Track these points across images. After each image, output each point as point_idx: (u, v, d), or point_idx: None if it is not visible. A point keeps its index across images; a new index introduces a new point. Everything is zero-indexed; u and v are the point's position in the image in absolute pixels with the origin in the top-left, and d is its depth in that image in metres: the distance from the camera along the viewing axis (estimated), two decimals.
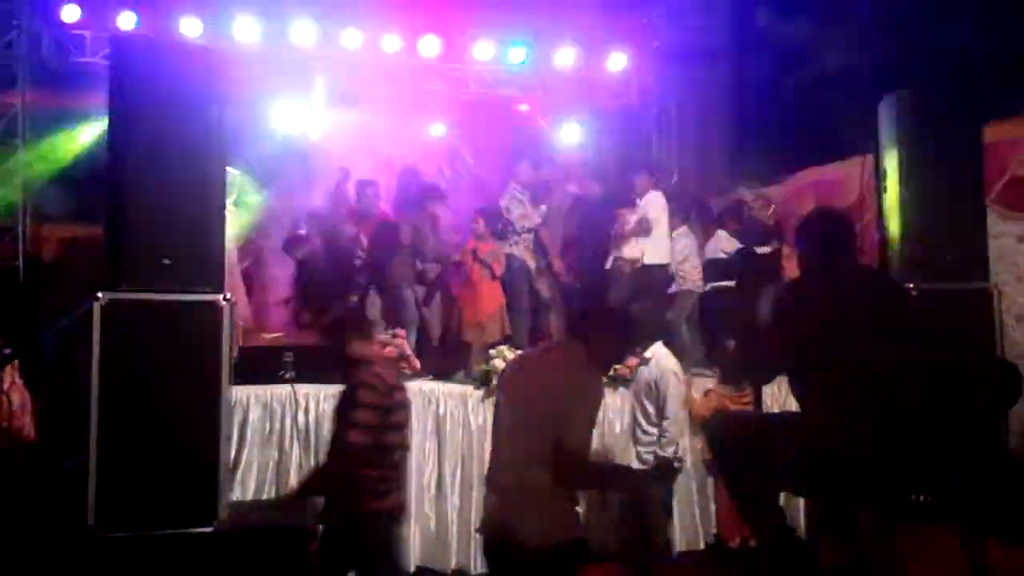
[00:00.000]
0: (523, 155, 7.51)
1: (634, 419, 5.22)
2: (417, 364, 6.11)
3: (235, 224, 6.82)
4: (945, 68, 6.99)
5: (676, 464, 5.18)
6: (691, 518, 5.97)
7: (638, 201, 7.19)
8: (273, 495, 5.28)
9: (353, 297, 7.05)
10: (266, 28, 7.67)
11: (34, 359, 5.99)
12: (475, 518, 5.21)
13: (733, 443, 3.28)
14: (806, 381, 3.13)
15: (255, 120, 8.24)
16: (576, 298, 7.35)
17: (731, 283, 7.18)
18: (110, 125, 4.53)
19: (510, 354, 5.73)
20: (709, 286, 7.18)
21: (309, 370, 5.64)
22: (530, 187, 7.36)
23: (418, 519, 5.50)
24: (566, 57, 8.51)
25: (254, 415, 5.36)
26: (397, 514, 3.92)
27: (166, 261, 4.42)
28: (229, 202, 6.53)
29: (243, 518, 4.52)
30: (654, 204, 7.11)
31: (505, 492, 3.19)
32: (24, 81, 7.53)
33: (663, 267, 7.11)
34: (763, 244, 7.33)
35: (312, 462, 5.24)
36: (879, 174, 5.75)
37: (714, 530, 6.01)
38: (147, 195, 4.45)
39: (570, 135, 9.25)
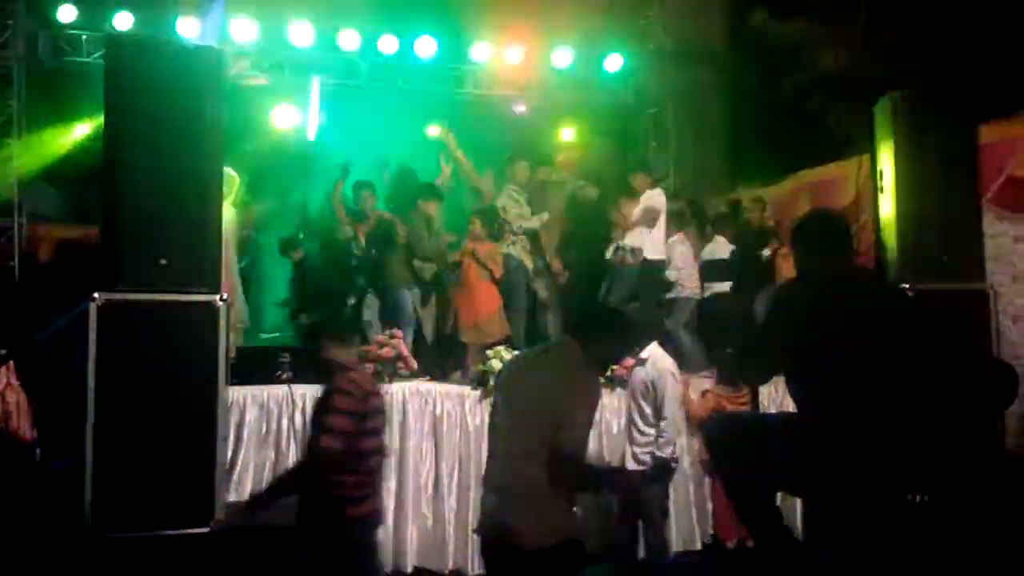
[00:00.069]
0: (520, 156, 7.51)
1: (630, 420, 5.21)
2: (414, 364, 6.11)
3: (234, 224, 6.82)
4: (941, 69, 7.01)
5: (672, 464, 5.18)
6: (688, 518, 5.97)
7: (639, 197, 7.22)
8: None
9: (351, 298, 7.06)
10: (264, 28, 7.66)
11: (30, 360, 5.98)
12: (472, 519, 5.21)
13: (730, 443, 3.29)
14: (803, 382, 3.14)
15: (252, 120, 8.24)
16: (573, 299, 7.35)
17: (728, 284, 7.19)
18: (106, 125, 4.52)
19: (507, 355, 5.73)
20: (708, 290, 7.18)
21: (306, 371, 5.62)
22: (527, 188, 7.36)
23: (415, 520, 5.50)
24: (563, 57, 8.52)
25: (251, 415, 5.36)
26: (374, 519, 3.88)
27: (163, 261, 4.43)
28: (228, 202, 6.54)
29: (240, 518, 4.51)
30: (656, 199, 7.14)
31: (502, 493, 3.19)
32: (20, 81, 7.51)
33: (662, 262, 7.13)
34: (761, 247, 7.34)
35: None
36: (875, 175, 5.77)
37: (711, 530, 6.02)
38: (143, 195, 4.45)
39: (567, 135, 9.26)
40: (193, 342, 4.49)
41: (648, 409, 5.07)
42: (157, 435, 4.33)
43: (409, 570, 5.47)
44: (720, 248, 7.40)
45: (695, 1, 9.44)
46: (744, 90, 9.33)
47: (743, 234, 7.56)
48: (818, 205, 7.53)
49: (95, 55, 7.42)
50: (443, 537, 5.53)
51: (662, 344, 5.40)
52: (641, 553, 5.31)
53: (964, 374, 3.13)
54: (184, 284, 4.50)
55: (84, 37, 7.68)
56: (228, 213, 6.65)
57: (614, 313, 4.24)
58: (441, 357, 6.83)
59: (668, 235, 7.23)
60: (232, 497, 4.99)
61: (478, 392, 5.74)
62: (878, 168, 5.73)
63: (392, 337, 6.09)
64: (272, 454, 5.36)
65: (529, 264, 7.16)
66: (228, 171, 6.14)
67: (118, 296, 4.38)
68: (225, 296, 4.60)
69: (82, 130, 7.74)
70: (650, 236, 7.06)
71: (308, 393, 5.47)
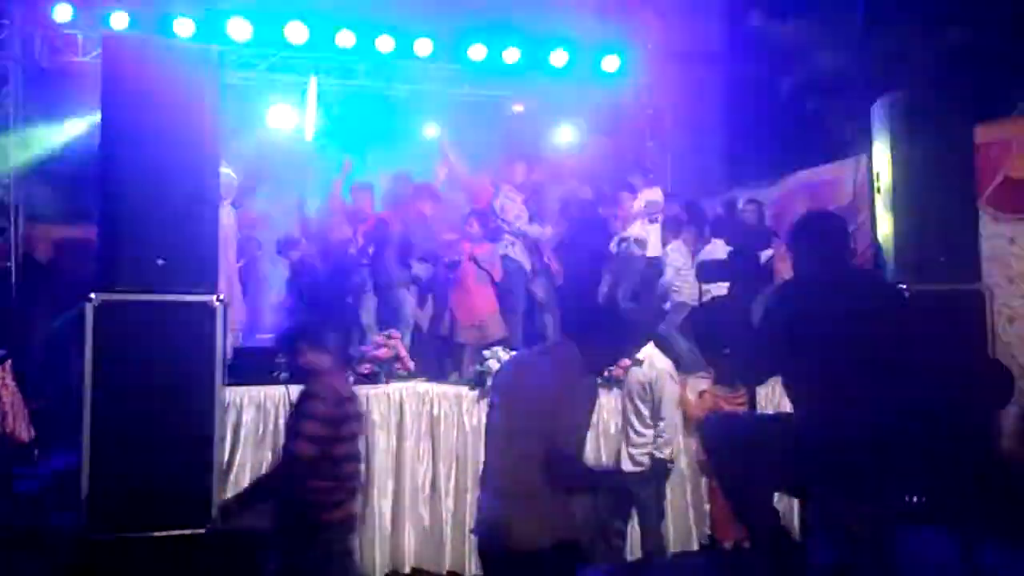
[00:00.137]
0: (517, 156, 7.52)
1: (626, 421, 5.20)
2: (411, 365, 6.10)
3: (234, 226, 6.82)
4: (938, 70, 7.03)
5: (668, 465, 5.18)
6: (685, 519, 5.97)
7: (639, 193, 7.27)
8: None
9: (348, 298, 7.05)
10: (260, 28, 7.65)
11: (26, 360, 5.97)
12: (470, 519, 5.20)
13: (728, 444, 3.29)
14: (800, 382, 3.14)
15: (249, 120, 8.23)
16: (571, 299, 7.35)
17: (725, 285, 7.18)
18: (103, 125, 4.52)
19: (504, 355, 5.73)
20: (706, 291, 7.19)
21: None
22: (524, 189, 7.37)
23: (412, 520, 5.50)
24: (560, 57, 8.53)
25: (248, 416, 5.34)
26: (348, 525, 3.84)
27: (159, 262, 4.42)
28: (227, 203, 6.54)
29: (237, 519, 4.50)
30: (656, 194, 7.22)
31: (499, 493, 3.19)
32: (16, 81, 7.50)
33: (660, 260, 7.16)
34: (759, 248, 7.34)
35: None
36: (872, 175, 5.78)
37: (708, 531, 6.02)
38: (140, 196, 4.44)
39: (564, 136, 9.27)
40: (190, 343, 4.48)
41: (645, 410, 5.07)
42: (154, 436, 4.32)
43: (407, 571, 5.46)
44: (718, 250, 7.40)
45: (693, 1, 9.45)
46: (741, 91, 9.35)
47: (741, 235, 7.56)
48: (815, 206, 7.54)
49: (91, 55, 7.41)
50: (440, 538, 5.53)
51: (658, 345, 5.40)
52: (638, 554, 5.31)
53: (960, 375, 3.14)
54: (181, 285, 4.49)
55: (80, 37, 7.67)
56: (228, 215, 6.66)
57: (612, 314, 4.24)
58: (439, 358, 6.83)
59: (664, 241, 7.26)
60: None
61: (475, 393, 5.73)
62: (875, 169, 5.74)
63: (390, 338, 6.09)
64: (269, 455, 5.34)
65: (527, 265, 7.16)
66: (227, 172, 6.15)
67: (115, 296, 4.37)
68: (222, 296, 4.59)
69: (76, 126, 7.72)
70: (649, 233, 7.10)
71: None
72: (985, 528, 4.29)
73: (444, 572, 5.51)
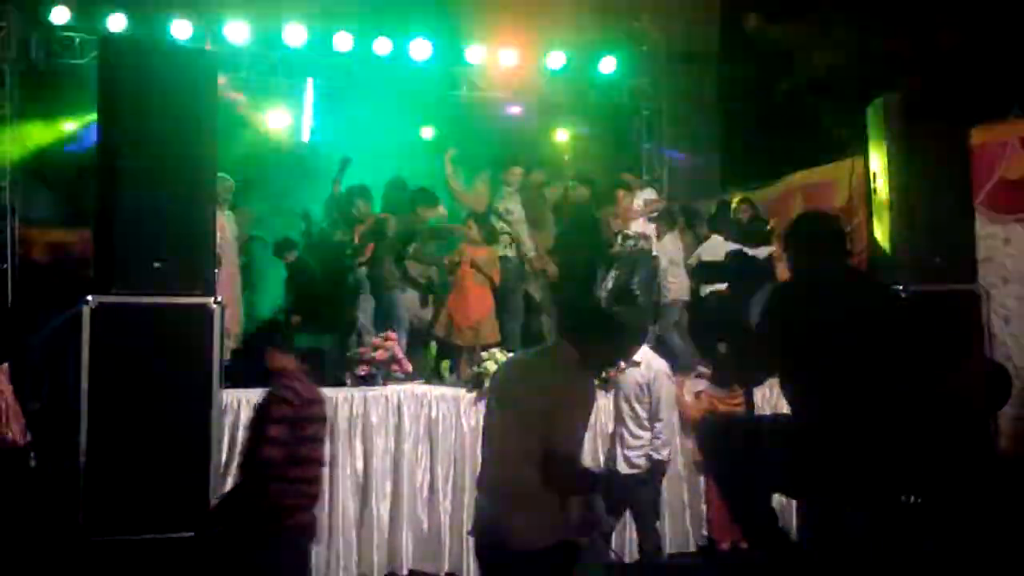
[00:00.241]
0: (514, 159, 7.53)
1: (620, 422, 5.18)
2: (409, 367, 6.10)
3: (235, 231, 6.83)
4: (933, 72, 7.04)
5: (665, 466, 5.18)
6: (682, 520, 5.98)
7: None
8: None
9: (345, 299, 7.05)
10: (257, 30, 7.65)
11: (23, 363, 5.95)
12: (468, 521, 5.20)
13: (725, 445, 3.30)
14: (797, 383, 3.15)
15: (246, 122, 8.23)
16: (569, 300, 7.35)
17: (723, 285, 7.19)
18: (100, 127, 4.52)
19: (502, 357, 5.73)
20: (706, 291, 7.20)
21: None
22: (522, 191, 7.39)
23: (411, 522, 5.50)
24: (557, 59, 8.54)
25: (245, 418, 5.33)
26: (308, 533, 3.84)
27: (156, 264, 4.42)
28: (226, 208, 6.54)
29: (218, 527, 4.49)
30: (652, 195, 7.35)
31: (497, 495, 3.20)
32: (13, 83, 7.48)
33: (658, 257, 7.19)
34: (755, 248, 7.35)
35: None
36: (868, 177, 5.80)
37: (705, 532, 6.02)
38: (137, 198, 4.44)
39: (561, 137, 9.28)
40: (187, 344, 4.48)
41: (642, 412, 5.05)
42: (151, 438, 4.32)
43: (404, 573, 5.46)
44: (717, 247, 7.41)
45: (689, 3, 9.47)
46: (737, 92, 9.36)
47: (739, 235, 7.57)
48: (811, 207, 7.55)
49: (88, 57, 7.40)
50: (438, 539, 5.53)
51: (653, 346, 5.40)
52: (635, 555, 5.32)
53: (957, 375, 3.15)
54: (178, 287, 4.49)
55: (77, 39, 7.66)
56: (229, 220, 6.67)
57: (611, 316, 4.24)
58: (436, 359, 6.84)
59: (659, 234, 7.28)
60: None
61: (473, 394, 5.74)
62: (871, 170, 5.76)
63: (387, 340, 6.09)
64: None
65: (525, 266, 7.18)
66: (224, 177, 6.16)
67: (112, 299, 4.37)
68: (219, 299, 4.59)
69: (70, 126, 7.71)
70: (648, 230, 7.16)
71: None
72: (983, 528, 4.30)
73: (442, 573, 5.52)
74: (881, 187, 5.64)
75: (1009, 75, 6.64)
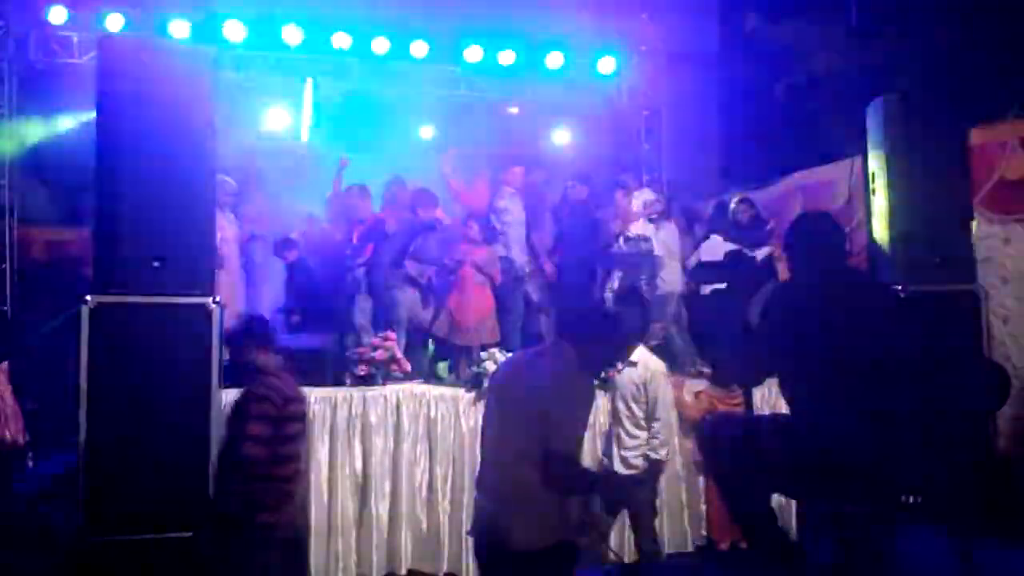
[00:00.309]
0: (513, 159, 7.53)
1: (616, 423, 5.15)
2: (408, 366, 6.10)
3: (236, 229, 6.82)
4: (933, 72, 7.04)
5: (663, 465, 5.17)
6: (681, 520, 5.97)
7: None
8: None
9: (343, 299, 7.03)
10: (255, 29, 7.65)
11: (22, 363, 5.95)
12: (467, 521, 5.20)
13: (724, 445, 3.29)
14: (796, 383, 3.15)
15: (245, 121, 8.22)
16: (567, 300, 7.35)
17: (723, 285, 7.20)
18: (98, 127, 4.51)
19: (501, 357, 5.73)
20: (708, 289, 7.20)
21: (300, 373, 5.60)
22: (522, 191, 7.38)
23: (409, 522, 5.50)
24: (556, 59, 8.54)
25: None
26: (283, 532, 3.81)
27: (155, 264, 4.41)
28: (228, 209, 6.54)
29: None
30: (650, 196, 7.29)
31: (495, 494, 3.20)
32: (11, 83, 7.48)
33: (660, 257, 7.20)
34: (755, 248, 7.35)
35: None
36: (867, 177, 5.80)
37: (704, 532, 6.02)
38: (136, 197, 4.44)
39: (560, 138, 9.28)
40: (186, 344, 4.48)
41: (639, 412, 5.04)
42: (150, 437, 4.31)
43: (403, 572, 5.46)
44: (716, 248, 7.40)
45: (688, 3, 9.47)
46: (737, 92, 9.36)
47: (738, 235, 7.57)
48: (811, 207, 7.56)
49: (87, 56, 7.39)
50: (438, 539, 5.53)
51: (652, 346, 5.40)
52: (633, 555, 5.31)
53: (956, 375, 3.15)
54: (177, 286, 4.49)
55: (75, 38, 7.66)
56: (230, 221, 6.66)
57: (609, 316, 4.24)
58: (435, 359, 6.83)
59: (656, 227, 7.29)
60: None
61: (472, 394, 5.74)
62: (870, 170, 5.76)
63: (386, 340, 6.08)
64: None
65: (524, 266, 7.18)
66: (225, 180, 6.15)
67: (111, 298, 4.37)
68: (219, 298, 4.59)
69: (67, 123, 7.71)
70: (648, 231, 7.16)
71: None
72: (983, 528, 4.30)
73: (441, 574, 5.51)
74: (880, 187, 5.65)
75: (1009, 75, 6.63)
